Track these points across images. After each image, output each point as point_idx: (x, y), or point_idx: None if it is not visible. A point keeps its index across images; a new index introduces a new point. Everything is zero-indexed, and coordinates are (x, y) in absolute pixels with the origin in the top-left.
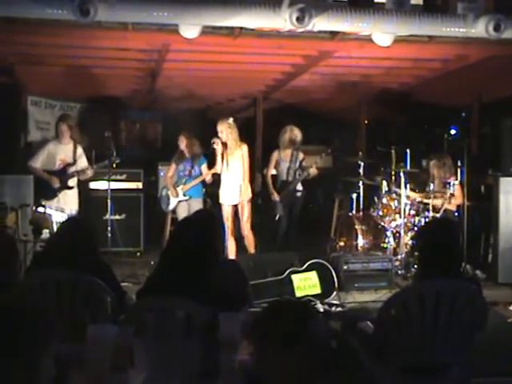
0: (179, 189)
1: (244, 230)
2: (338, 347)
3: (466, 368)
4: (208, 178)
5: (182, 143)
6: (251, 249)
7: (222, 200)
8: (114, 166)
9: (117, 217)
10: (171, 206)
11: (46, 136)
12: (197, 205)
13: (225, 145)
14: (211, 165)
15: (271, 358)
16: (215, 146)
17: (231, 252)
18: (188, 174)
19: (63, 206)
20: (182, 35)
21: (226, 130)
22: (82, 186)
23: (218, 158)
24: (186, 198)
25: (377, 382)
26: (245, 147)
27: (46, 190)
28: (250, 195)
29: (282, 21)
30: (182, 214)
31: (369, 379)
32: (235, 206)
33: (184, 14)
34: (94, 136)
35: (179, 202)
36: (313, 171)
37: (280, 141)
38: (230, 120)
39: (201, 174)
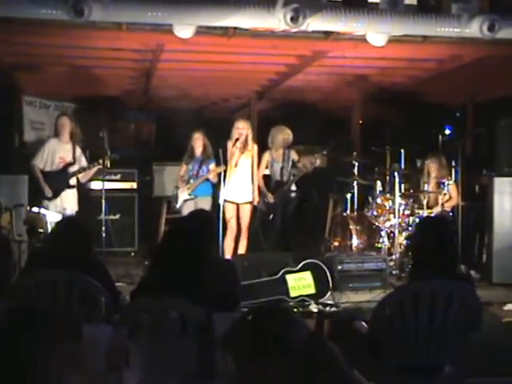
0: (185, 188)
1: (244, 233)
2: (313, 348)
3: (461, 368)
4: (212, 176)
5: (199, 142)
6: (242, 250)
7: (228, 197)
8: (109, 165)
9: (111, 217)
10: (178, 205)
11: (41, 136)
12: (204, 203)
13: (242, 142)
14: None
15: (248, 370)
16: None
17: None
18: (195, 174)
19: (65, 206)
20: (177, 35)
21: (248, 129)
22: (82, 186)
23: (229, 153)
24: (192, 197)
25: (353, 381)
26: (255, 147)
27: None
28: (257, 198)
29: (276, 21)
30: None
31: (345, 379)
32: (240, 206)
33: (178, 14)
34: (89, 136)
35: (185, 200)
36: (316, 162)
37: (270, 141)
38: (248, 120)
39: (208, 173)
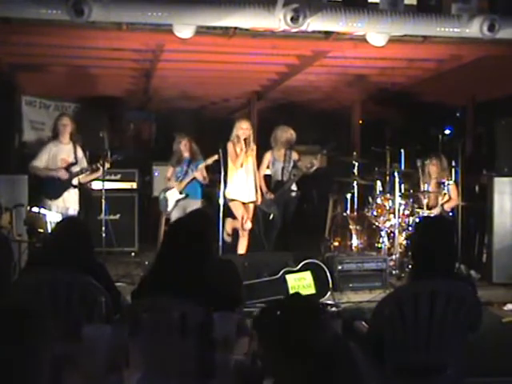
0: (175, 188)
1: (244, 230)
2: (337, 350)
3: (461, 368)
4: (199, 174)
5: (185, 146)
6: (243, 250)
7: (234, 196)
8: (108, 165)
9: (111, 217)
10: (170, 207)
11: (41, 136)
12: (194, 205)
13: (245, 142)
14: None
15: (274, 361)
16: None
17: (242, 249)
18: (185, 173)
19: (68, 206)
20: (177, 35)
21: (250, 129)
22: (82, 186)
23: (233, 154)
24: (183, 195)
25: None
26: (254, 147)
27: (50, 190)
28: (260, 198)
29: (276, 21)
30: (176, 217)
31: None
32: (245, 205)
33: (178, 14)
34: (89, 136)
35: (177, 201)
36: (316, 163)
37: (273, 141)
38: (249, 120)
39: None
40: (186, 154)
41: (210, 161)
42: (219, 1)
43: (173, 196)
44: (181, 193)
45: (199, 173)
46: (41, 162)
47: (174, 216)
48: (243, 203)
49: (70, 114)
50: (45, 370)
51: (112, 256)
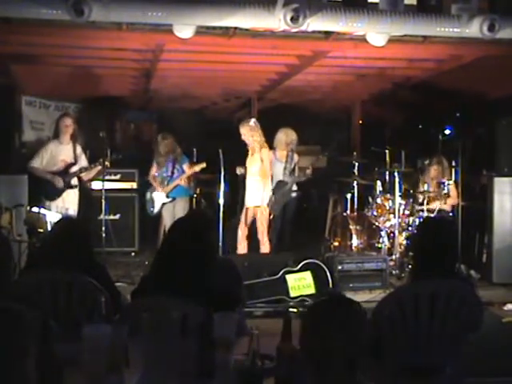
0: (162, 190)
1: (262, 236)
2: None
3: (461, 368)
4: (183, 182)
5: (167, 147)
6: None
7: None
8: (109, 165)
9: (111, 217)
10: (156, 209)
11: (41, 136)
12: (182, 204)
13: (249, 147)
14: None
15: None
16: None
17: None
18: (170, 174)
19: (67, 206)
20: (177, 35)
21: (248, 133)
22: (82, 186)
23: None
24: (170, 199)
25: None
26: (265, 150)
27: (49, 191)
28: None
29: (276, 21)
30: (166, 216)
31: None
32: (251, 209)
33: (178, 14)
34: (89, 136)
35: (163, 204)
36: (309, 172)
37: (275, 142)
38: (252, 122)
39: (184, 172)
40: (170, 154)
41: (197, 168)
42: (219, 1)
43: (159, 198)
44: (167, 196)
45: (184, 180)
46: (39, 162)
47: (166, 216)
48: (248, 208)
49: (72, 115)
50: (30, 369)
51: (112, 256)
